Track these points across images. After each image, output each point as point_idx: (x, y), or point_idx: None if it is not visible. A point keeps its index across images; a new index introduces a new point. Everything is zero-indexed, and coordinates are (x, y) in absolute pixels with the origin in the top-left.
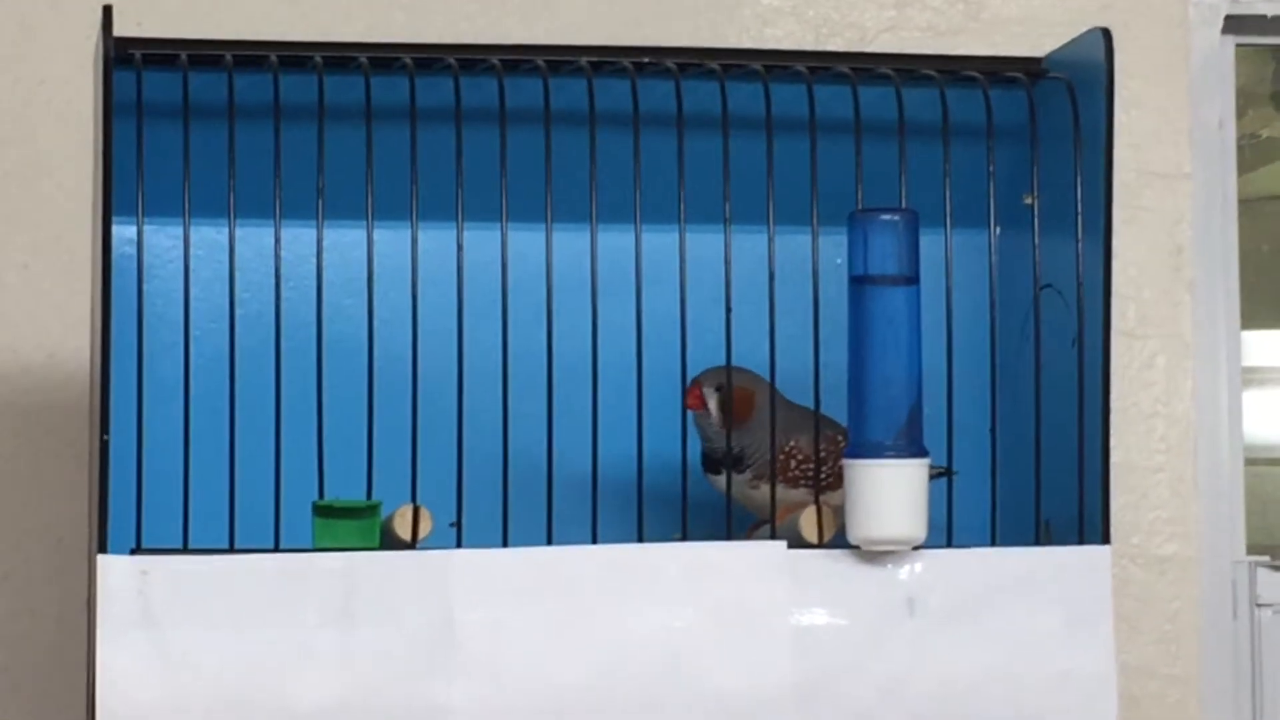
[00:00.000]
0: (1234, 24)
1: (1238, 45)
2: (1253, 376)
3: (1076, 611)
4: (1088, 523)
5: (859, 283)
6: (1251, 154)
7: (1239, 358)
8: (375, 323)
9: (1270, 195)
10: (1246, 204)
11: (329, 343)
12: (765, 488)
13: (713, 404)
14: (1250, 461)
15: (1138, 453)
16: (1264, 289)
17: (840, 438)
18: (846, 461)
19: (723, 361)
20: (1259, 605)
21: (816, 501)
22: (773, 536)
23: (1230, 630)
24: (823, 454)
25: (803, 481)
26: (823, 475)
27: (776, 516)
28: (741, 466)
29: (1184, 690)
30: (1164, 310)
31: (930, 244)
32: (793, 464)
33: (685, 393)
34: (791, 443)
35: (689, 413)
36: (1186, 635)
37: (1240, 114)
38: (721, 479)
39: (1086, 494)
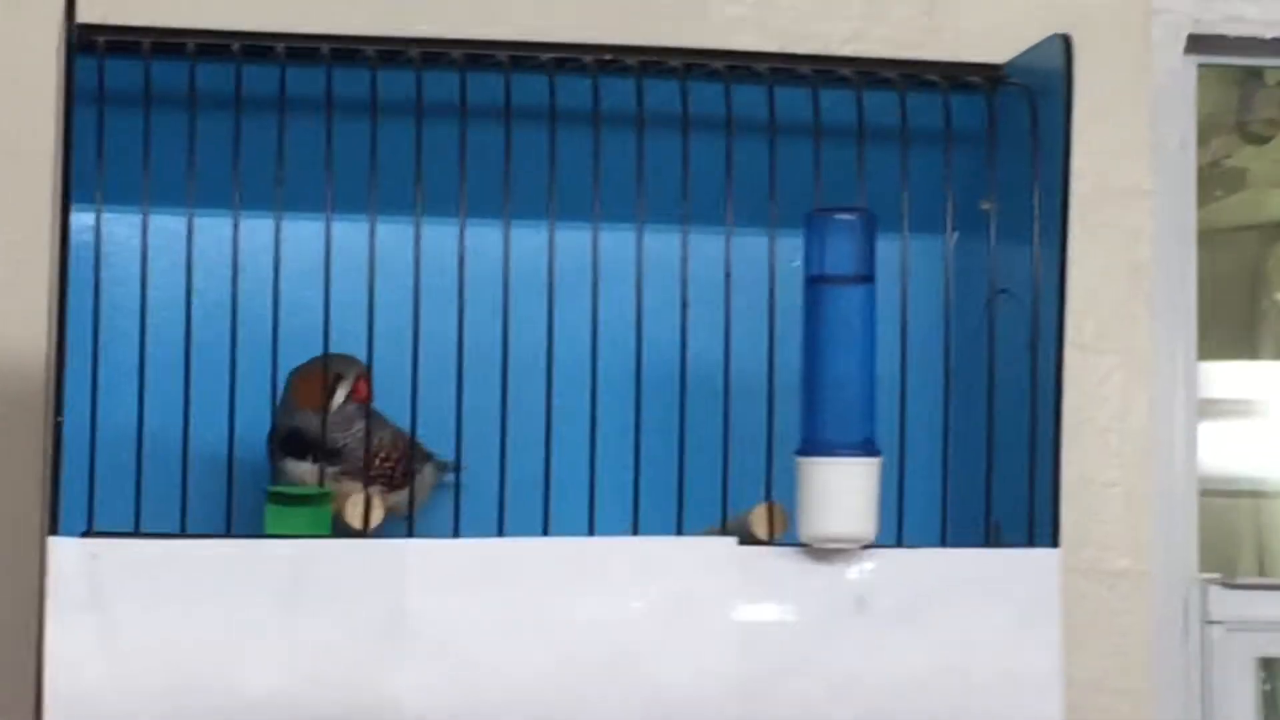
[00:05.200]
0: (1197, 44)
1: (1200, 65)
2: (1208, 408)
3: (1025, 612)
4: (1038, 525)
5: (815, 282)
6: (1216, 182)
7: (1196, 374)
8: (331, 314)
9: (1234, 226)
10: (1211, 234)
11: (285, 334)
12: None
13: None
14: (1205, 493)
15: (1092, 467)
16: (1223, 320)
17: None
18: (799, 459)
19: (680, 361)
20: (1209, 622)
21: (366, 491)
22: (723, 532)
23: (1181, 647)
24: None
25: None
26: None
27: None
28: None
29: (1134, 705)
30: (1122, 326)
31: (887, 248)
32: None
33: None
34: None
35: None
36: (1136, 650)
37: (1205, 141)
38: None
39: (1037, 496)
